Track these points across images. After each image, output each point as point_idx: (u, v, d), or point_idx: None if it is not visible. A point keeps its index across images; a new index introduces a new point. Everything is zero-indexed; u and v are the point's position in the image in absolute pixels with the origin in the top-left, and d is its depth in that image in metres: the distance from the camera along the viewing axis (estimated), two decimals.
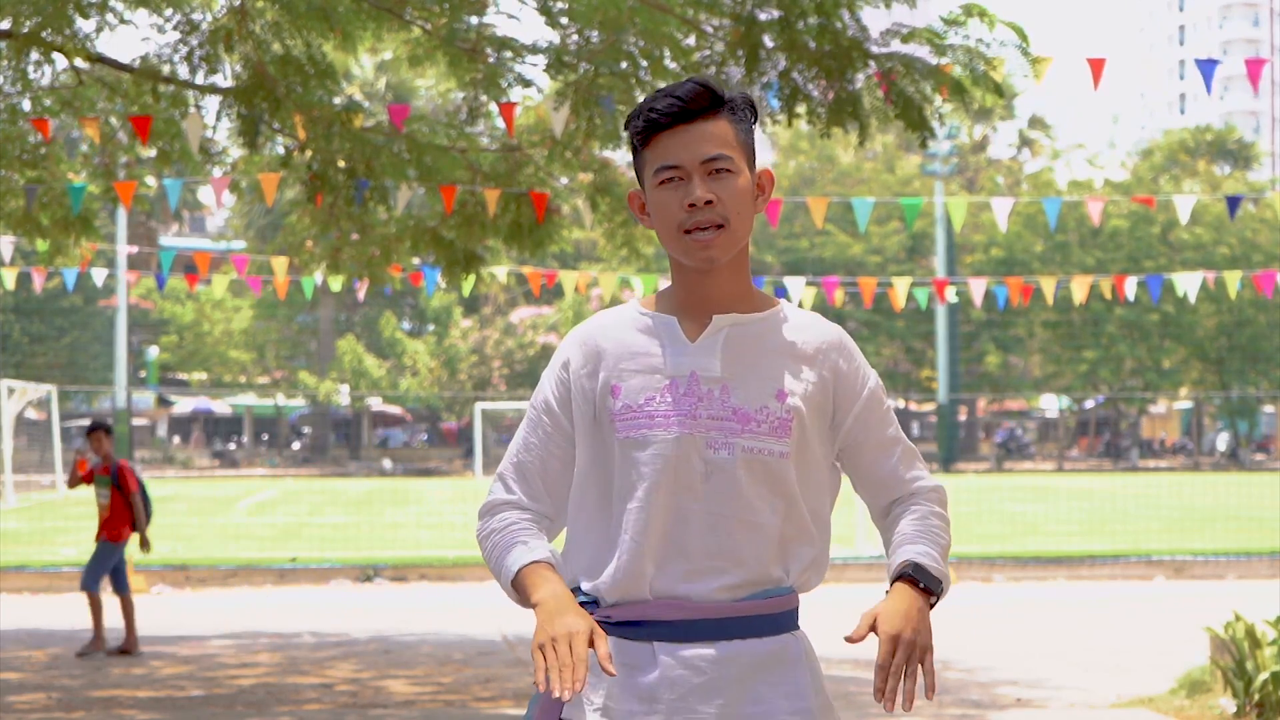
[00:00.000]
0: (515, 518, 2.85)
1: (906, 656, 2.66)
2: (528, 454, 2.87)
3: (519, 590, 2.75)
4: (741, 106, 2.83)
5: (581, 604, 2.79)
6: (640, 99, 9.10)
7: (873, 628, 2.69)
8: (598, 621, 2.76)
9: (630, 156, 2.93)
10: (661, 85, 2.89)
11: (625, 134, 2.90)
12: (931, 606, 2.76)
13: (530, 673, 10.37)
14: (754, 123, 2.87)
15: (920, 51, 8.56)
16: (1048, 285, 24.28)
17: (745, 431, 2.76)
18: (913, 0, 8.31)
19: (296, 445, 62.92)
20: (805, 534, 2.80)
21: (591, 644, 2.62)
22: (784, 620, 2.78)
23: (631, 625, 2.75)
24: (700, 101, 2.78)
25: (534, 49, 9.45)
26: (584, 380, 2.84)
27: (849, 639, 2.72)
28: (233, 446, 63.75)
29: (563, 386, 2.86)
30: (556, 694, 2.57)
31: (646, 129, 2.79)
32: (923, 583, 2.74)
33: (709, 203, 2.75)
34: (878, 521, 2.95)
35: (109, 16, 9.46)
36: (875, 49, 8.47)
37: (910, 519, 2.87)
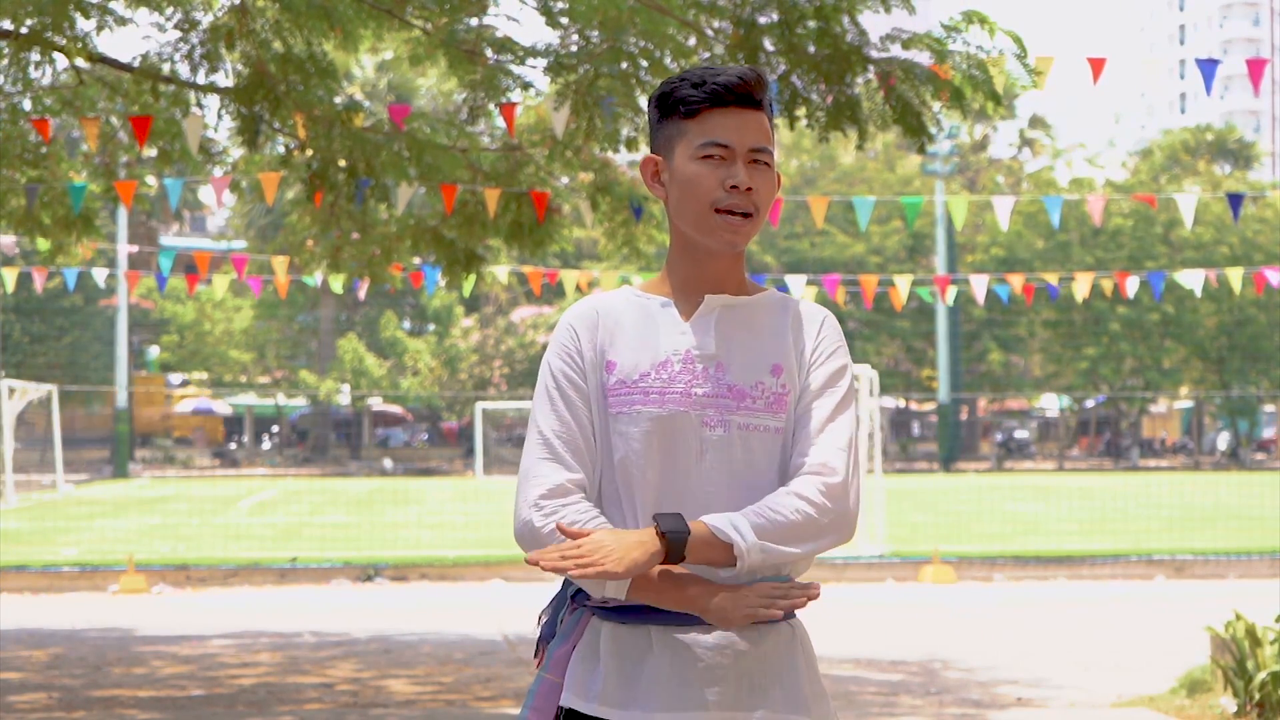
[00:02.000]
0: (590, 508, 2.76)
1: (588, 549, 2.59)
2: (566, 430, 2.79)
3: (650, 584, 2.69)
4: (771, 109, 2.89)
5: (576, 591, 2.82)
6: (641, 100, 9.10)
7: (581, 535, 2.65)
8: (594, 609, 2.78)
9: (652, 124, 2.90)
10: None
11: (661, 98, 2.86)
12: (670, 558, 2.64)
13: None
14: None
15: (920, 57, 8.57)
16: (1049, 281, 24.32)
17: (741, 408, 2.77)
18: (911, 6, 8.31)
19: (267, 444, 62.85)
20: None
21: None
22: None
23: (628, 611, 2.75)
24: (760, 90, 2.82)
25: (533, 51, 9.45)
26: (588, 353, 2.84)
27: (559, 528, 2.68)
28: (233, 446, 63.76)
29: (572, 359, 2.84)
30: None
31: (706, 100, 2.80)
32: (662, 527, 2.64)
33: (749, 189, 2.79)
34: None
35: (109, 16, 9.46)
36: (874, 54, 8.47)
37: (767, 496, 2.75)
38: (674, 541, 2.63)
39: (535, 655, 2.90)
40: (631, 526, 2.75)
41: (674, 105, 2.83)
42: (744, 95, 2.80)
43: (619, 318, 2.85)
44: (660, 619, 2.73)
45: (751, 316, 2.84)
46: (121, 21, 9.53)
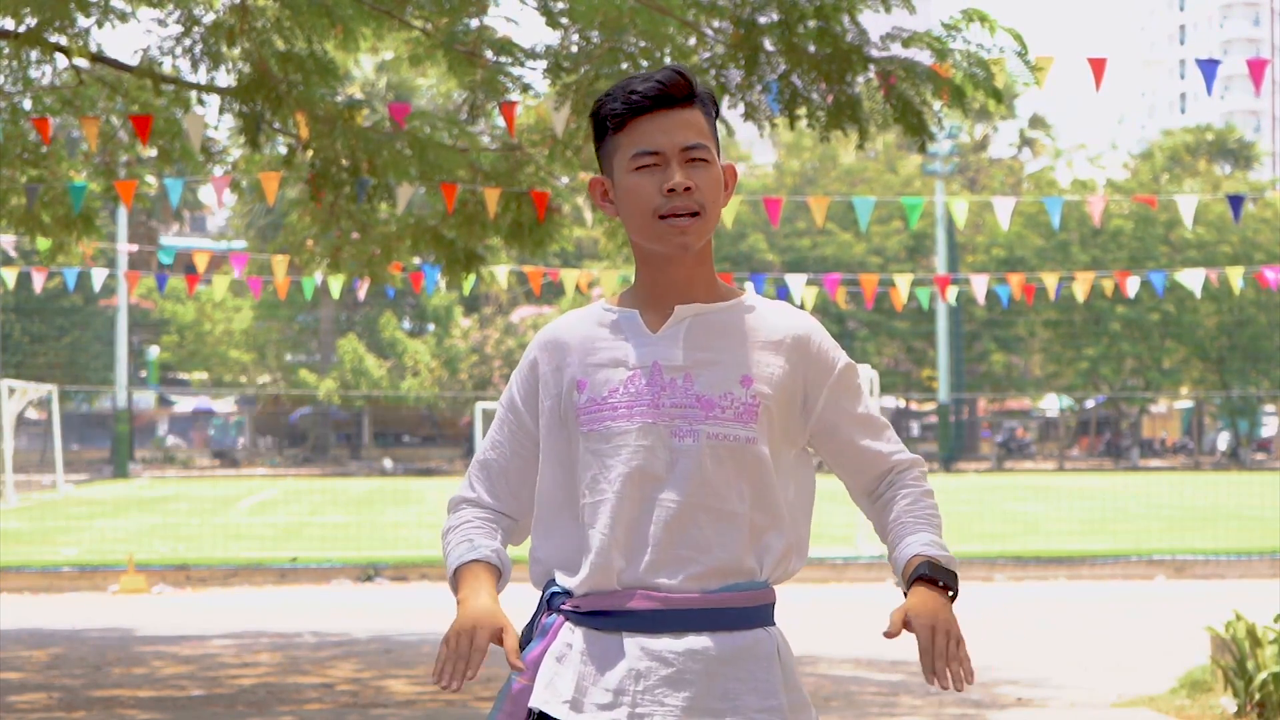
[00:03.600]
0: (470, 515, 2.90)
1: (945, 642, 2.68)
2: (493, 452, 2.92)
3: (453, 587, 2.82)
4: (709, 100, 2.85)
5: (554, 594, 2.82)
6: None
7: (906, 624, 2.70)
8: (567, 612, 2.78)
9: (596, 146, 2.90)
10: None
11: (594, 118, 2.89)
12: (953, 600, 2.76)
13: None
14: (716, 118, 2.90)
15: (920, 56, 8.57)
16: (1050, 282, 24.34)
17: (709, 418, 2.76)
18: (911, 5, 8.31)
19: (240, 442, 62.78)
20: (777, 522, 2.79)
21: (500, 641, 2.69)
22: (756, 615, 2.77)
23: (601, 615, 2.75)
24: (681, 89, 2.79)
25: (533, 54, 9.45)
26: (550, 378, 2.86)
27: (887, 634, 2.72)
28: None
29: (528, 386, 2.89)
30: (443, 684, 2.65)
31: (627, 111, 2.79)
32: (941, 580, 2.75)
33: (688, 189, 2.76)
34: (860, 501, 2.95)
35: (110, 14, 9.46)
36: (875, 53, 8.47)
37: (903, 503, 2.87)
38: (957, 589, 2.79)
39: None
40: (605, 539, 2.75)
41: (603, 122, 2.83)
42: (664, 98, 2.78)
43: (587, 337, 2.85)
44: (632, 625, 2.74)
45: (723, 325, 2.83)
46: (122, 17, 9.53)
